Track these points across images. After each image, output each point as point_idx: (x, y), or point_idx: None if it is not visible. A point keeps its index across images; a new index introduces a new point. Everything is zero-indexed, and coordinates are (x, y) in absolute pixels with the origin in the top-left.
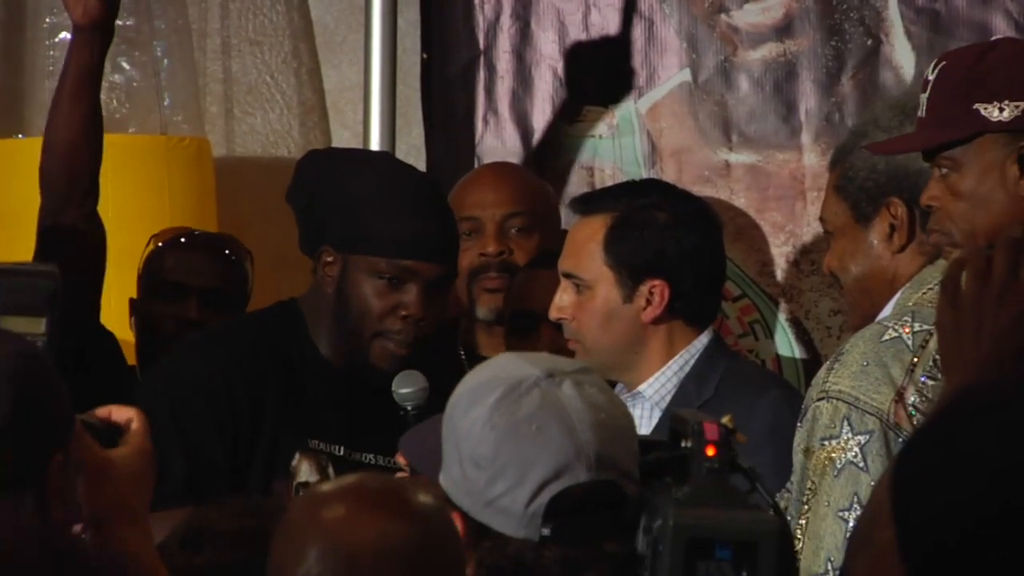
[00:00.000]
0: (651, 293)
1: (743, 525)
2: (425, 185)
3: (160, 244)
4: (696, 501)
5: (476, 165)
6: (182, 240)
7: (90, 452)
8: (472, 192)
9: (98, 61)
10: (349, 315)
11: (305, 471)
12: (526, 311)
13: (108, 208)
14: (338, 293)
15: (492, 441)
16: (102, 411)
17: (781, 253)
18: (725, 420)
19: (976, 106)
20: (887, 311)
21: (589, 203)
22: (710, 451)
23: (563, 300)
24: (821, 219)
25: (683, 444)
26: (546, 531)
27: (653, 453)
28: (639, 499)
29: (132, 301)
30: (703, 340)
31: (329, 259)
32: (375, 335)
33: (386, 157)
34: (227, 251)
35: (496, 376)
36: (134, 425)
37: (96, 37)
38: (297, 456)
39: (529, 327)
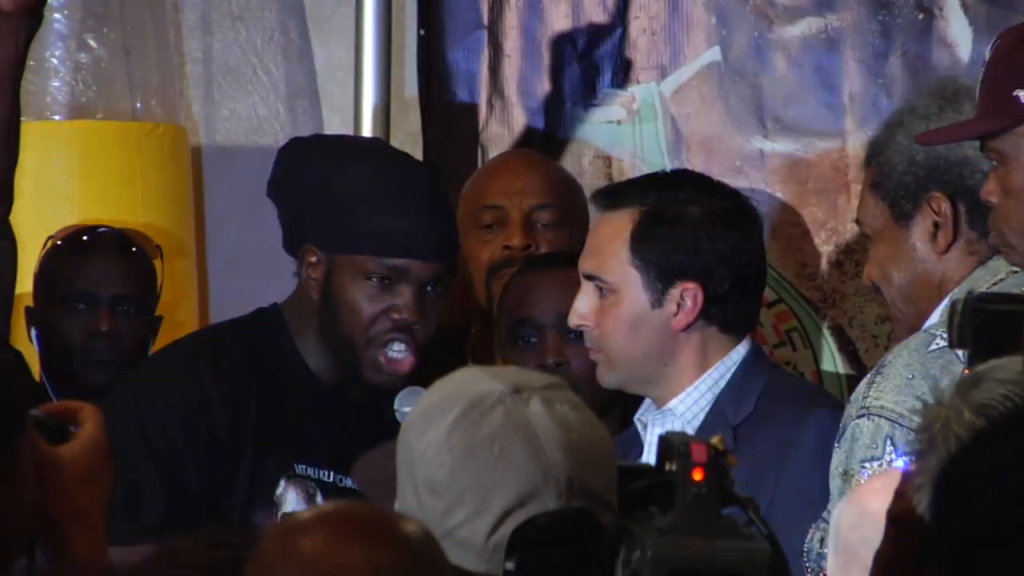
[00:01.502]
0: (683, 297)
1: (730, 556)
2: (419, 175)
3: (59, 244)
4: (680, 530)
5: (479, 154)
6: (84, 239)
7: (35, 449)
8: (497, 179)
9: (23, 51)
10: (337, 322)
11: (291, 500)
12: (526, 319)
13: (72, 205)
14: (324, 297)
15: (449, 465)
16: (53, 406)
17: (822, 253)
18: (715, 440)
19: (1017, 92)
20: (934, 318)
21: (614, 197)
22: (697, 475)
23: (584, 305)
24: (858, 222)
25: (667, 468)
26: (510, 565)
27: (639, 481)
28: (617, 530)
29: (29, 310)
30: (740, 351)
31: (313, 259)
32: (367, 344)
33: (377, 145)
34: (134, 248)
35: (455, 392)
36: (86, 419)
37: (23, 24)
38: (282, 483)
39: (530, 337)
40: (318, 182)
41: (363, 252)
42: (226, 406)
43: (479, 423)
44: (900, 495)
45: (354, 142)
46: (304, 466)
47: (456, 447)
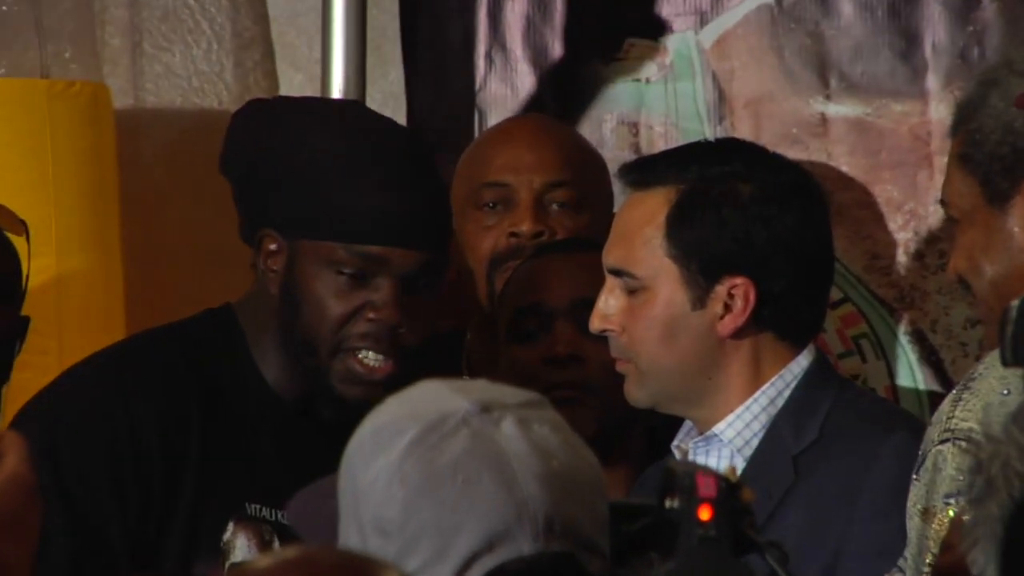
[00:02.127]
0: (731, 296)
1: None
2: (402, 145)
3: None
4: None
5: (476, 119)
6: None
7: None
8: (501, 150)
9: None
10: (299, 323)
11: (241, 547)
12: (532, 305)
13: None
14: (284, 292)
15: (402, 500)
16: None
17: (898, 241)
18: (726, 472)
19: None
20: None
21: (646, 172)
22: (704, 513)
23: (609, 305)
24: (942, 202)
25: (667, 504)
26: None
27: (639, 520)
28: None
29: None
30: (802, 362)
31: (272, 247)
32: (336, 350)
33: (352, 109)
34: None
35: (411, 411)
36: (5, 451)
37: None
38: (231, 527)
39: (538, 329)
40: (279, 154)
41: (331, 238)
42: (161, 432)
43: (439, 448)
44: (948, 548)
45: (325, 105)
46: (258, 505)
47: (410, 478)
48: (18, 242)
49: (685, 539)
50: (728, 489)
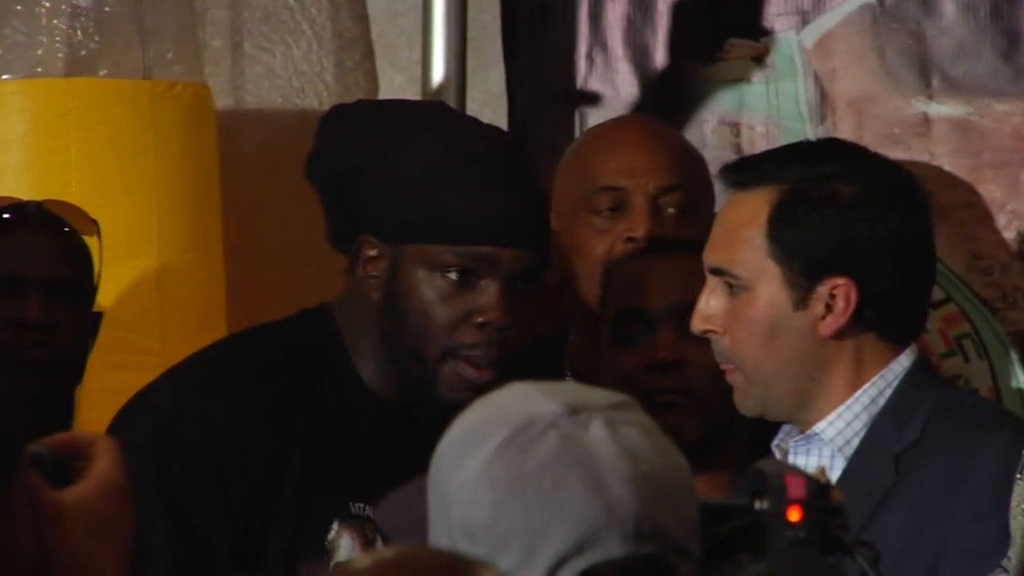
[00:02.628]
0: (832, 296)
1: None
2: (500, 145)
3: None
4: None
5: (576, 119)
6: (6, 216)
7: (34, 492)
8: (615, 154)
9: None
10: (405, 329)
11: (345, 546)
12: (634, 309)
13: (68, 181)
14: (387, 299)
15: (491, 503)
16: (58, 438)
17: (1001, 241)
18: (816, 472)
19: None
20: None
21: (747, 173)
22: (794, 515)
23: (711, 306)
24: None
25: (758, 506)
26: None
27: (730, 521)
28: None
29: None
30: (903, 362)
31: (372, 253)
32: (444, 355)
33: (443, 110)
34: (67, 228)
35: (499, 415)
36: (99, 455)
37: None
38: (335, 527)
39: (639, 333)
40: (374, 159)
41: (438, 240)
42: (265, 434)
43: (527, 452)
44: None
45: (413, 107)
46: (361, 504)
47: (499, 481)
48: (90, 242)
49: (775, 540)
50: (818, 490)
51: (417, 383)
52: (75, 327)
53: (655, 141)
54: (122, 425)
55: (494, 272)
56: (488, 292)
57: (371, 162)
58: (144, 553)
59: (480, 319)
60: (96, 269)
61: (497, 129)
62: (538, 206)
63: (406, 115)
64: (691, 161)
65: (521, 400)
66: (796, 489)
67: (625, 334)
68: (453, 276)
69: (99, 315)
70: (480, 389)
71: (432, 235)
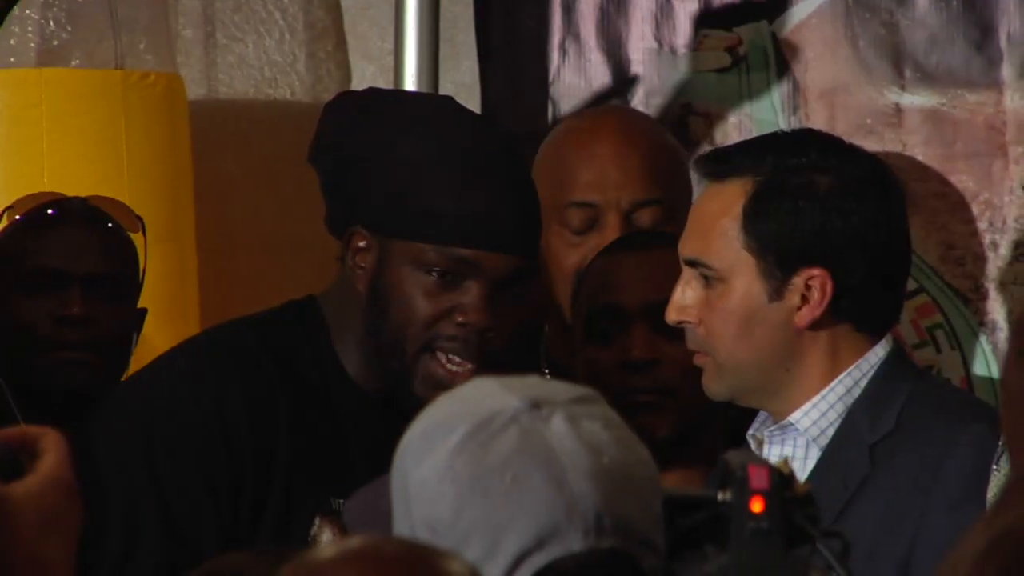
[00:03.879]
0: (808, 287)
1: None
2: (498, 148)
3: (18, 218)
4: (733, 574)
5: (549, 109)
6: (49, 212)
7: None
8: (587, 166)
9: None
10: (387, 323)
11: (327, 541)
12: (611, 305)
13: (41, 171)
14: (372, 291)
15: (452, 498)
16: (7, 433)
17: (973, 232)
18: (779, 463)
19: None
20: None
21: (721, 164)
22: (756, 505)
23: (686, 297)
24: None
25: (721, 497)
26: None
27: (696, 513)
28: (662, 575)
29: None
30: (879, 352)
31: (362, 244)
32: (423, 349)
33: (447, 105)
34: (109, 223)
35: (461, 410)
36: (47, 449)
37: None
38: (317, 522)
39: (614, 328)
40: (372, 151)
41: (424, 239)
42: (252, 428)
43: (488, 447)
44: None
45: (420, 102)
46: (342, 500)
47: (460, 476)
48: (135, 238)
49: (737, 532)
50: (781, 481)
51: (397, 377)
52: (117, 322)
53: (630, 148)
54: (108, 419)
55: (477, 274)
56: (471, 294)
57: (368, 152)
58: (134, 543)
59: (460, 318)
60: (141, 265)
61: (503, 133)
62: (528, 212)
63: (409, 107)
64: (669, 164)
65: (483, 395)
66: (759, 480)
67: (599, 331)
68: (436, 275)
69: (143, 311)
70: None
71: (418, 233)
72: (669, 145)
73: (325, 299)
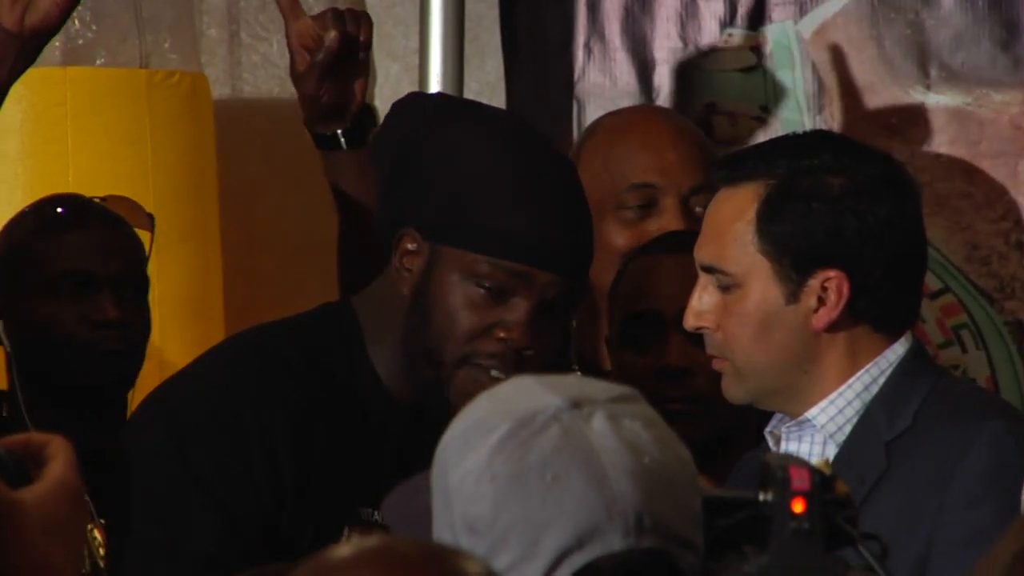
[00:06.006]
0: (824, 289)
1: None
2: (560, 168)
3: (29, 219)
4: (772, 575)
5: (574, 109)
6: (59, 211)
7: None
8: (646, 149)
9: (14, 80)
10: (427, 329)
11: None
12: (646, 311)
13: (67, 170)
14: (416, 296)
15: (491, 497)
16: (15, 439)
17: (999, 231)
18: (820, 464)
19: None
20: None
21: (736, 167)
22: (797, 506)
23: (703, 302)
24: None
25: (762, 498)
26: None
27: (735, 513)
28: (701, 575)
29: None
30: (898, 351)
31: (411, 247)
32: (459, 362)
33: (514, 122)
34: (123, 223)
35: (501, 409)
36: (54, 456)
37: (30, 51)
38: (346, 533)
39: (649, 335)
40: (435, 154)
41: (477, 249)
42: (289, 437)
43: (528, 445)
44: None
45: (485, 111)
46: (371, 510)
47: (500, 475)
48: (144, 235)
49: (778, 532)
50: (822, 482)
51: (431, 386)
52: (143, 321)
53: (685, 139)
54: (143, 427)
55: (527, 292)
56: (517, 310)
57: (429, 156)
58: (180, 548)
59: (503, 334)
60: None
61: (562, 155)
62: (585, 237)
63: (477, 117)
64: (713, 157)
65: (523, 394)
66: (800, 481)
67: (634, 337)
68: (486, 288)
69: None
70: None
71: (472, 242)
72: (709, 142)
73: (361, 302)
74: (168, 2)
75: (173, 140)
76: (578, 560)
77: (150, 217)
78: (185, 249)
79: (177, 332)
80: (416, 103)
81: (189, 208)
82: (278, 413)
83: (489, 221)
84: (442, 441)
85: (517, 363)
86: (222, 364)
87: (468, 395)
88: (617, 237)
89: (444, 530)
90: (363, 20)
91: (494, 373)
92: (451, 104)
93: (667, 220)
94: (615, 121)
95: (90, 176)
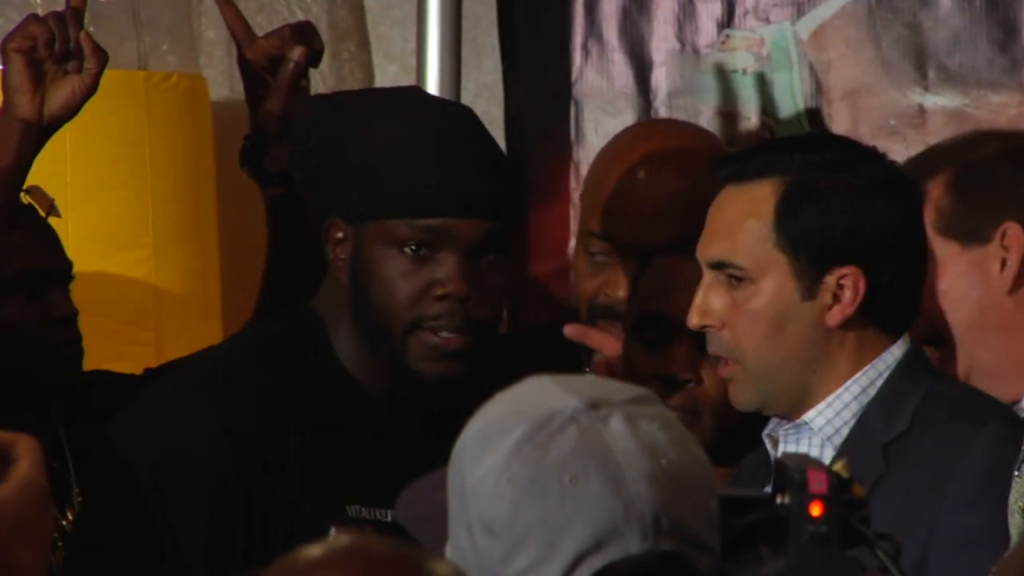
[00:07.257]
0: (840, 286)
1: None
2: (459, 121)
3: None
4: None
5: (573, 110)
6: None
7: None
8: (616, 197)
9: (30, 163)
10: (369, 307)
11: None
12: (656, 315)
13: (64, 172)
14: (354, 279)
15: (509, 499)
16: None
17: None
18: (838, 467)
19: None
20: None
21: (747, 165)
22: (815, 509)
23: (710, 301)
24: None
25: (779, 501)
26: None
27: (750, 514)
28: None
29: None
30: (896, 352)
31: (339, 235)
32: (409, 330)
33: (408, 92)
34: (44, 217)
35: (518, 410)
36: (20, 456)
37: (45, 137)
38: (332, 532)
39: (658, 339)
40: (338, 142)
41: (392, 215)
42: (259, 443)
43: (546, 447)
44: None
45: (381, 93)
46: (358, 507)
47: (517, 477)
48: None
49: (796, 535)
50: (839, 485)
51: (389, 360)
52: (75, 314)
53: (656, 186)
54: (118, 434)
55: (451, 244)
56: (446, 264)
57: (335, 146)
58: (129, 554)
59: (440, 291)
60: None
61: (462, 107)
62: (493, 176)
63: (371, 99)
64: (686, 208)
65: (540, 395)
66: (817, 484)
67: (645, 335)
68: (410, 250)
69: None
70: (451, 359)
71: (387, 210)
72: (690, 185)
73: (318, 301)
74: (166, 4)
75: (171, 142)
76: (596, 562)
77: (52, 201)
78: (184, 250)
79: (176, 332)
80: (311, 106)
81: (187, 209)
82: (249, 425)
83: (397, 187)
84: (458, 442)
85: (464, 316)
86: (193, 380)
87: (427, 359)
88: (585, 281)
89: (461, 531)
90: (316, 36)
91: (443, 334)
92: (343, 97)
93: (618, 281)
94: (618, 148)
95: (88, 178)
